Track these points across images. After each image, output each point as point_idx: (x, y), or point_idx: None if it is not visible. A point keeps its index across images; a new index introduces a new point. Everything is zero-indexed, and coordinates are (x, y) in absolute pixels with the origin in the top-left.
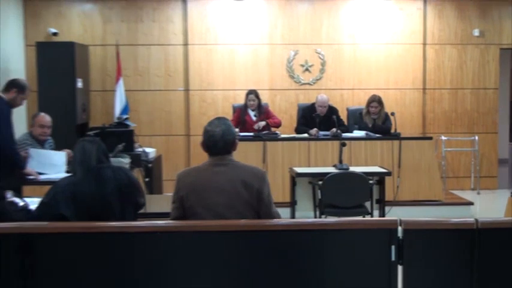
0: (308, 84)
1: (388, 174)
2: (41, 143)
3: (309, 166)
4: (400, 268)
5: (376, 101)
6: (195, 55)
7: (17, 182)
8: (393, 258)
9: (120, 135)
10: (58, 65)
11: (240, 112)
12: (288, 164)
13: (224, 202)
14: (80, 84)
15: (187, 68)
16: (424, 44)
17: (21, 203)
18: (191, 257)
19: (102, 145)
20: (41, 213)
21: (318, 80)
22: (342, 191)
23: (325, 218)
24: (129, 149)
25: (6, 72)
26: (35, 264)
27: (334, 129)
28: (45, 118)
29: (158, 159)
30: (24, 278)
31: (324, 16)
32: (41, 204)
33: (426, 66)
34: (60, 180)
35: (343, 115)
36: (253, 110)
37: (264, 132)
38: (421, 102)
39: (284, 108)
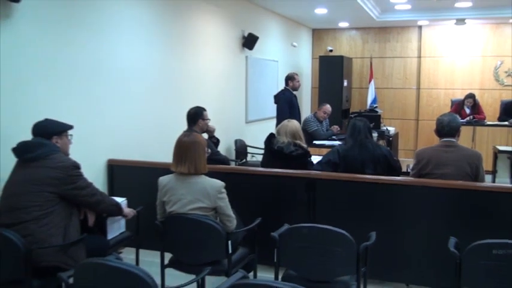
0: (510, 85)
1: None
2: (320, 122)
3: (507, 145)
4: None
5: None
6: (425, 64)
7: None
8: None
9: (371, 118)
10: (332, 71)
11: (458, 106)
12: (491, 143)
13: (451, 173)
14: (345, 83)
15: (420, 73)
16: None
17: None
18: (423, 204)
19: (368, 124)
20: (321, 165)
21: None
22: None
23: None
24: (377, 127)
25: (300, 76)
26: (316, 197)
27: None
28: (329, 108)
29: (396, 135)
30: (309, 206)
31: None
32: (323, 160)
33: None
34: (336, 146)
35: None
36: (468, 107)
37: (475, 119)
38: None
39: (490, 103)
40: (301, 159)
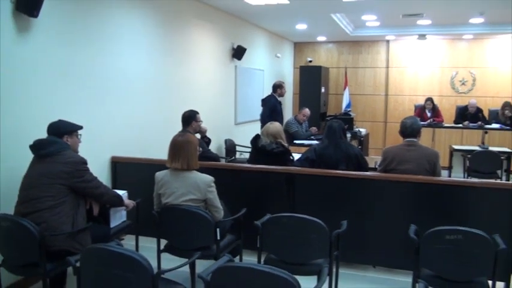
0: (463, 93)
1: None
2: (300, 124)
3: (461, 145)
4: None
5: (508, 106)
6: (392, 74)
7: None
8: None
9: (345, 120)
10: (311, 79)
11: (420, 110)
12: (448, 142)
13: (413, 169)
14: (323, 90)
15: (387, 81)
16: None
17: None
18: (387, 196)
19: (342, 125)
20: (300, 162)
21: (470, 90)
22: (483, 162)
23: (471, 178)
24: (350, 128)
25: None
26: (295, 190)
27: (479, 122)
28: (308, 112)
29: (367, 135)
30: (289, 198)
31: (475, 49)
32: (302, 157)
33: None
34: (314, 145)
35: (486, 114)
36: (429, 111)
37: (434, 122)
38: None
39: (447, 108)
40: (282, 156)
